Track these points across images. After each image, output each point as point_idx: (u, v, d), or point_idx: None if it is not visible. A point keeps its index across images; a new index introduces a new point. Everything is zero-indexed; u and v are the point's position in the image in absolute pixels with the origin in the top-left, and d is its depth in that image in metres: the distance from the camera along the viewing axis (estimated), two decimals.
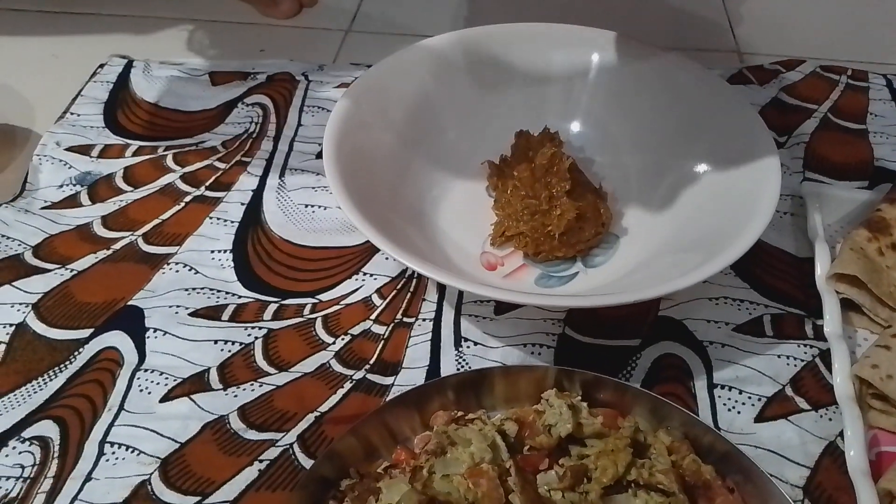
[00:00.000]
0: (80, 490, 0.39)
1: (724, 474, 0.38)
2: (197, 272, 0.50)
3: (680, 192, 0.51)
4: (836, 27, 0.74)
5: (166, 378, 0.44)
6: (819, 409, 0.43)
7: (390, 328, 0.47)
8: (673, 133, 0.53)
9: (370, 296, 0.49)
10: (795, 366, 0.45)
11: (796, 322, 0.47)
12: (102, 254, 0.51)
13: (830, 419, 0.42)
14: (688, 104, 0.53)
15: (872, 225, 0.49)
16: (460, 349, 0.46)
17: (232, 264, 0.50)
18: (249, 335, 0.46)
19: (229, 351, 0.46)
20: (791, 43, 0.70)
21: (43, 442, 0.41)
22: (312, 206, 0.54)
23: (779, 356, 0.45)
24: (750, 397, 0.44)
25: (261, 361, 0.45)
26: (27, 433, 0.42)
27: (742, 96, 0.53)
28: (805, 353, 0.46)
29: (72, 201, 0.54)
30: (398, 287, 0.49)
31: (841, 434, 0.41)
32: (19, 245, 0.51)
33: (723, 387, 0.44)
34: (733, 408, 0.43)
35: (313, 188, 0.56)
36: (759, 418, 0.43)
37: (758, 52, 0.70)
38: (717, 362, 0.45)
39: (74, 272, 0.50)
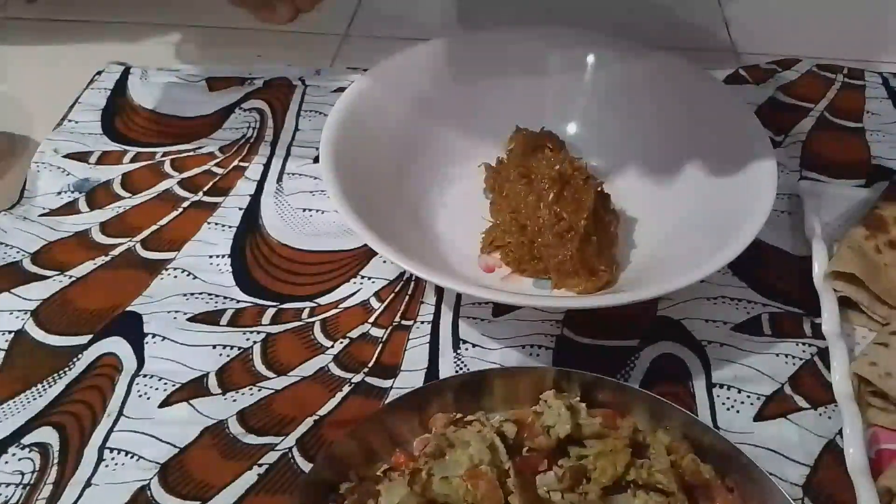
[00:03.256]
0: (80, 496, 0.39)
1: (723, 474, 0.38)
2: (195, 277, 0.50)
3: (676, 192, 0.51)
4: (832, 26, 0.74)
5: (165, 383, 0.44)
6: (818, 408, 0.43)
7: (389, 331, 0.47)
8: (669, 134, 0.53)
9: (368, 299, 0.49)
10: (794, 364, 0.45)
11: (795, 321, 0.47)
12: (101, 260, 0.51)
13: (829, 417, 0.42)
14: (684, 104, 0.53)
15: (870, 223, 0.49)
16: (459, 351, 0.46)
17: (230, 269, 0.50)
18: (248, 339, 0.46)
19: (228, 356, 0.46)
20: (787, 42, 0.70)
21: (43, 448, 0.41)
22: (310, 210, 0.55)
23: (777, 355, 0.45)
24: (749, 396, 0.44)
25: (259, 366, 0.45)
26: (27, 440, 0.42)
27: (738, 96, 0.53)
28: (804, 351, 0.46)
29: (70, 208, 0.54)
30: (396, 290, 0.49)
31: (840, 432, 0.41)
32: (18, 252, 0.51)
33: (721, 386, 0.44)
34: (732, 407, 0.43)
35: (311, 192, 0.56)
36: (759, 417, 0.43)
37: (754, 52, 0.70)
38: (716, 361, 0.45)
39: (73, 279, 0.50)
